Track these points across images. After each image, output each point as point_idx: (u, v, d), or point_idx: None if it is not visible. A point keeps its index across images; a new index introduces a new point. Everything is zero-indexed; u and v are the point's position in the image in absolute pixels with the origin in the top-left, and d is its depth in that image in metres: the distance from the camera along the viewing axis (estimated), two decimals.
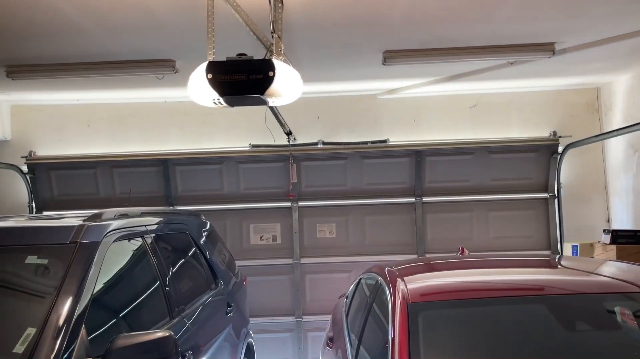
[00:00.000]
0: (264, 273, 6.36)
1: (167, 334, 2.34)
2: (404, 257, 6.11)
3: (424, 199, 6.44)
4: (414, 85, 6.26)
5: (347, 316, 4.35)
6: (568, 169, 6.54)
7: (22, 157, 6.28)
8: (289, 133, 5.47)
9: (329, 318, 6.24)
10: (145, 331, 2.43)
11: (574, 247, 5.79)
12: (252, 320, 5.97)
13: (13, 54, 4.59)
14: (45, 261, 2.49)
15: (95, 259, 2.56)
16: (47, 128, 6.64)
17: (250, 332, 4.96)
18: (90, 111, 6.63)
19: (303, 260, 6.39)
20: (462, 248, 4.31)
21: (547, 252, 6.36)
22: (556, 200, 6.40)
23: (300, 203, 6.40)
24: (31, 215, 6.13)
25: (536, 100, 6.64)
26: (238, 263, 5.71)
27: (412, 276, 3.16)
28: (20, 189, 6.54)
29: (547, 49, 4.77)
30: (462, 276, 3.23)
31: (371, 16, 4.02)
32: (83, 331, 2.24)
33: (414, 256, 6.31)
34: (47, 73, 5.00)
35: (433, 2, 3.81)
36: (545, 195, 6.44)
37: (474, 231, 6.44)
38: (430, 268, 3.50)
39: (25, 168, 6.39)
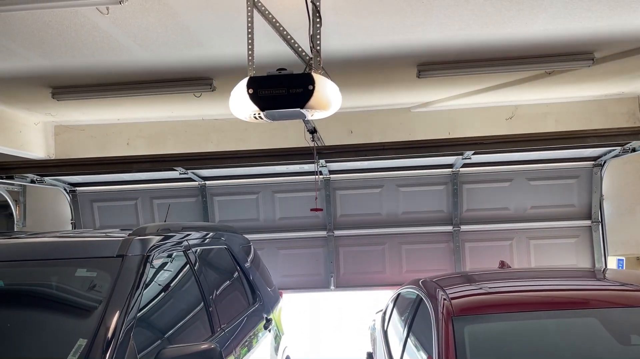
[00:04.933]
0: (294, 189, 6.17)
1: (213, 346, 2.36)
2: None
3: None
4: (448, 98, 6.22)
5: (385, 332, 4.30)
6: (609, 181, 6.34)
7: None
8: (313, 131, 4.72)
9: (360, 232, 6.14)
10: (191, 344, 2.45)
11: (620, 261, 5.60)
12: (283, 235, 6.02)
13: (58, 75, 4.78)
14: (94, 274, 2.55)
15: (140, 272, 2.61)
16: (89, 147, 6.84)
17: (288, 346, 4.94)
18: (130, 130, 6.81)
19: (333, 177, 6.10)
20: (504, 262, 4.22)
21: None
22: (599, 210, 6.15)
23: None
24: (79, 230, 6.29)
25: (574, 110, 6.51)
26: (265, 180, 5.76)
27: (455, 289, 3.11)
28: (64, 206, 6.72)
29: (586, 57, 4.69)
30: (507, 289, 3.16)
31: (406, 29, 4.03)
32: (132, 343, 2.28)
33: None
34: (90, 94, 5.19)
35: (469, 13, 3.80)
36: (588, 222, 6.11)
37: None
38: (472, 280, 3.43)
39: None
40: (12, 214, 6.57)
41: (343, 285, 6.25)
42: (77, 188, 6.37)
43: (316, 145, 4.72)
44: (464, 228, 6.08)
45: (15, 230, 6.54)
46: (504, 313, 2.72)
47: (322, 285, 6.28)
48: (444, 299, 2.86)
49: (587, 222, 5.99)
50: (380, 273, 6.21)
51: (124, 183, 6.26)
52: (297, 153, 5.09)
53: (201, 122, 6.73)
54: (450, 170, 5.94)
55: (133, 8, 3.44)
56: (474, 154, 5.24)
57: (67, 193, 6.37)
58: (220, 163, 5.37)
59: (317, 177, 5.75)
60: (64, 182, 6.22)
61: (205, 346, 2.36)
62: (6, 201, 6.43)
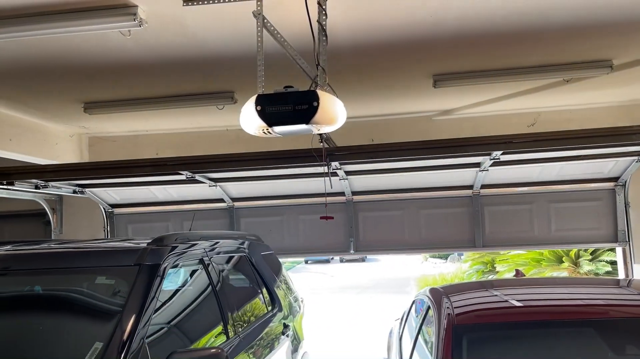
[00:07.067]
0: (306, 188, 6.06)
1: (219, 350, 2.50)
2: None
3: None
4: (468, 106, 6.24)
5: (400, 338, 4.37)
6: (636, 190, 6.15)
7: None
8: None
9: (378, 197, 6.06)
10: (199, 348, 2.60)
11: None
12: (302, 201, 5.98)
13: (88, 92, 5.07)
14: (112, 282, 2.74)
15: (156, 280, 2.77)
16: (121, 157, 7.10)
17: (307, 351, 5.05)
18: (159, 140, 7.09)
19: (350, 177, 5.78)
20: (518, 271, 4.23)
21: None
22: (625, 216, 5.90)
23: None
24: (102, 239, 6.57)
25: (598, 116, 6.40)
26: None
27: (460, 298, 3.17)
28: (98, 214, 7.02)
29: (604, 64, 4.67)
30: (513, 298, 3.19)
31: (418, 41, 4.11)
32: (145, 347, 2.44)
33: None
34: (119, 108, 5.48)
35: (480, 25, 3.85)
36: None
37: None
38: (481, 290, 3.47)
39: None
40: (49, 222, 6.92)
41: (362, 249, 6.31)
42: (115, 209, 6.64)
43: (327, 146, 4.29)
44: (483, 192, 5.99)
45: (53, 237, 6.89)
46: (506, 322, 2.77)
47: (342, 249, 6.35)
48: (448, 307, 2.93)
49: (611, 184, 5.81)
50: (400, 237, 6.20)
51: (158, 204, 6.49)
52: (305, 155, 4.61)
53: (226, 132, 6.94)
54: (476, 169, 5.47)
55: (153, 29, 3.64)
56: (502, 154, 4.75)
57: (105, 213, 6.66)
58: (225, 166, 5.16)
59: (328, 178, 5.07)
60: (104, 202, 6.51)
61: (213, 350, 2.51)
62: (44, 209, 6.78)
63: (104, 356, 2.30)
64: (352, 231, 6.24)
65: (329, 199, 5.77)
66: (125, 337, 2.39)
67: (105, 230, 6.80)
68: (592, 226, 5.90)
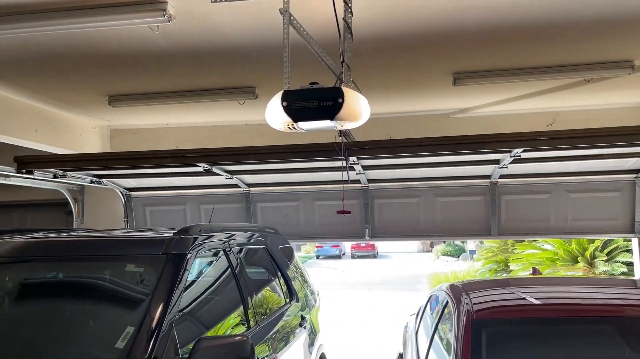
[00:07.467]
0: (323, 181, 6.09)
1: (245, 338, 2.58)
2: None
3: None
4: (487, 104, 6.25)
5: (416, 333, 4.43)
6: None
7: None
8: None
9: (395, 184, 6.00)
10: (225, 335, 2.68)
11: None
12: (319, 187, 5.99)
13: (114, 85, 5.18)
14: (141, 270, 2.83)
15: (182, 268, 2.86)
16: (141, 148, 7.23)
17: (323, 344, 5.14)
18: (179, 133, 7.20)
19: (367, 172, 5.75)
20: (535, 269, 4.27)
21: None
22: None
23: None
24: (130, 229, 6.70)
25: (619, 116, 6.37)
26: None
27: (478, 294, 3.22)
28: (119, 205, 7.14)
29: (625, 65, 4.66)
30: (530, 295, 3.24)
31: (439, 39, 4.14)
32: (173, 332, 2.53)
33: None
34: (142, 101, 5.58)
35: (502, 24, 3.88)
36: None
37: None
38: (498, 287, 3.52)
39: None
40: (71, 212, 7.07)
41: (378, 235, 6.30)
42: (132, 193, 6.75)
43: (345, 140, 4.27)
44: (501, 181, 5.92)
45: (74, 226, 7.03)
46: (524, 317, 2.82)
47: (357, 235, 6.37)
48: (467, 303, 2.98)
49: (631, 176, 5.72)
50: (415, 224, 6.20)
51: (175, 188, 6.55)
52: (323, 149, 4.57)
53: (245, 126, 7.03)
54: (496, 165, 5.37)
55: (181, 25, 3.72)
56: (523, 151, 4.61)
57: (123, 196, 6.77)
58: (244, 159, 5.13)
59: (345, 173, 4.98)
60: (121, 187, 6.60)
61: (238, 337, 2.59)
62: (66, 199, 6.93)
63: (135, 339, 2.40)
64: (367, 218, 6.25)
65: (345, 186, 5.49)
66: (155, 322, 2.49)
67: (125, 220, 6.93)
68: (610, 216, 5.85)
